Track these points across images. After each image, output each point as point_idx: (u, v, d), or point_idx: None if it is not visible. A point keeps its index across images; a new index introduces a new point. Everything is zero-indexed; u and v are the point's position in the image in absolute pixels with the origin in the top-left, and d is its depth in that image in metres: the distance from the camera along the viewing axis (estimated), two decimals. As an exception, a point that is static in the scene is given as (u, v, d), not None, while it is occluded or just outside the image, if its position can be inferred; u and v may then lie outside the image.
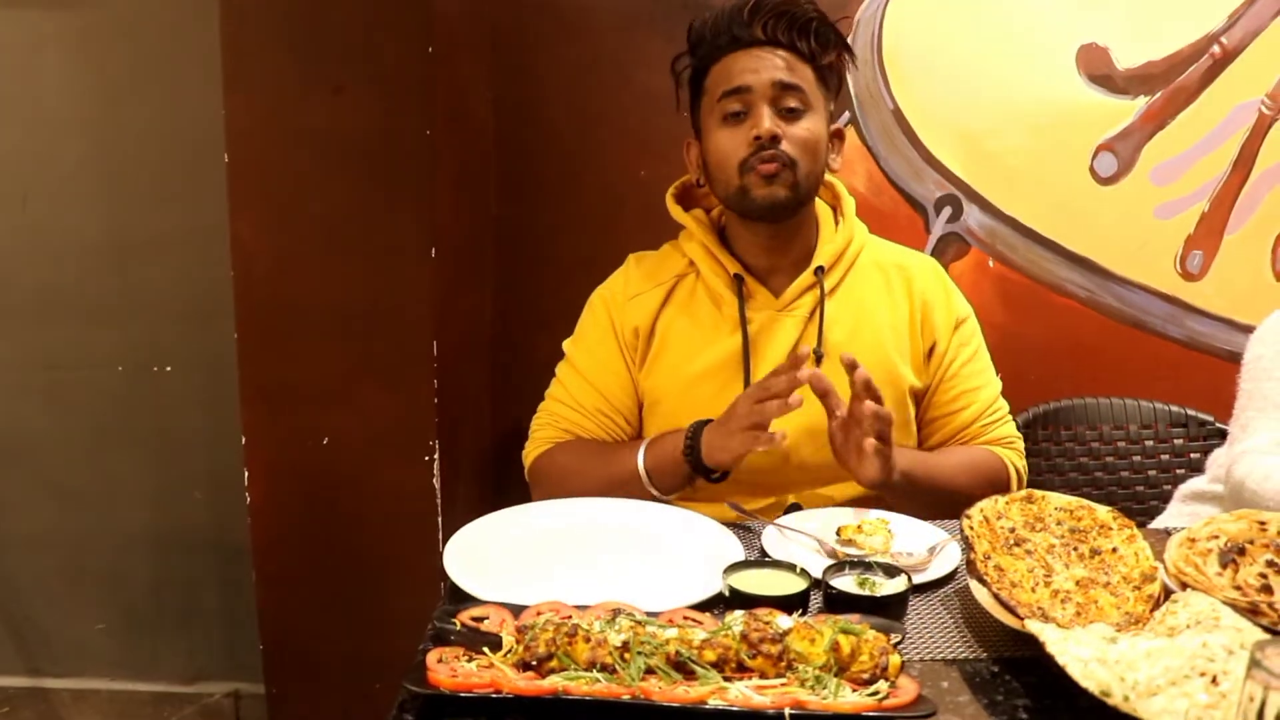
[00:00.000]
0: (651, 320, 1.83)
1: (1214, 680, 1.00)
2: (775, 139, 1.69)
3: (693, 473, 1.68)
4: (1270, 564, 1.25)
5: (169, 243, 2.56)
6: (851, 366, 1.55)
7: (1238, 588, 1.22)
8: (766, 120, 1.69)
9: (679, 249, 1.88)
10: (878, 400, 1.55)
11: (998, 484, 1.80)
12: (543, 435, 1.88)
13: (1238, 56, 2.48)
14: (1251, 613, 1.18)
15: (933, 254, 2.55)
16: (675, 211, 1.87)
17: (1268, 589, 1.21)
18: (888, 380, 1.77)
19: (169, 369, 2.63)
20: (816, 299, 1.80)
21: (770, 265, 1.82)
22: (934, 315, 1.84)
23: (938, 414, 1.86)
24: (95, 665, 2.82)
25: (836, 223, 1.87)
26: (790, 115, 1.72)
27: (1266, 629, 1.15)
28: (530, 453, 1.89)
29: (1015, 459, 1.86)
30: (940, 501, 1.64)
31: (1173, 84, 2.49)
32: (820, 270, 1.80)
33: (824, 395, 1.58)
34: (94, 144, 2.53)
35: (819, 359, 1.77)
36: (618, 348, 1.85)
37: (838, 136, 1.83)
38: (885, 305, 1.83)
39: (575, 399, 1.86)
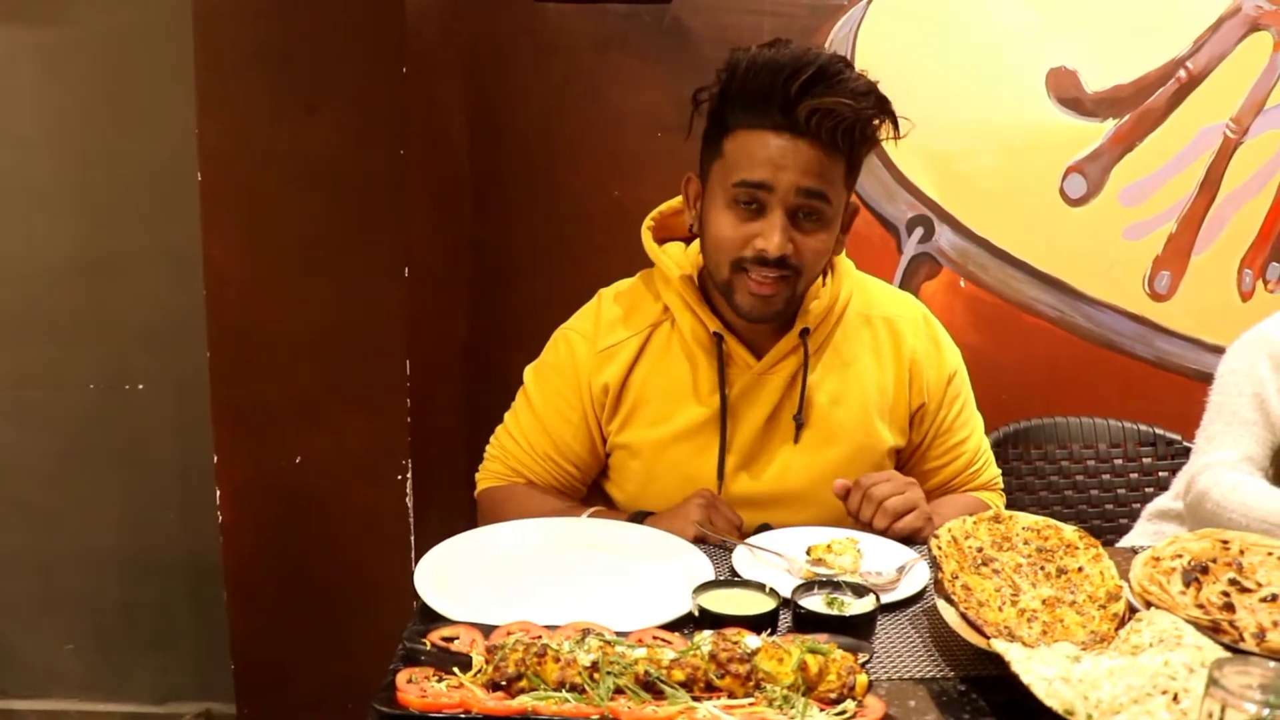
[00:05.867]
0: (623, 377, 1.71)
1: (1175, 698, 1.01)
2: (783, 259, 1.55)
3: None
4: (1232, 582, 1.27)
5: (141, 261, 2.55)
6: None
7: (1200, 606, 1.24)
8: (777, 235, 1.54)
9: (653, 289, 1.75)
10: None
11: None
12: (492, 469, 1.82)
13: (1203, 81, 2.52)
14: (1213, 630, 1.20)
15: (904, 274, 2.58)
16: (653, 251, 1.73)
17: (1229, 607, 1.23)
18: (868, 445, 1.73)
19: (140, 388, 2.61)
20: (799, 362, 1.69)
21: (753, 325, 1.68)
22: (924, 374, 1.76)
23: (930, 465, 1.81)
24: (65, 686, 2.79)
25: (826, 275, 1.73)
26: (807, 221, 1.56)
27: (1228, 647, 1.17)
28: (480, 480, 1.85)
29: (998, 500, 1.85)
30: None
31: (1140, 107, 2.53)
32: (805, 333, 1.68)
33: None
34: (66, 162, 2.52)
35: (799, 426, 1.70)
36: (579, 400, 1.74)
37: (852, 215, 1.69)
38: (872, 365, 1.74)
39: (527, 439, 1.77)
